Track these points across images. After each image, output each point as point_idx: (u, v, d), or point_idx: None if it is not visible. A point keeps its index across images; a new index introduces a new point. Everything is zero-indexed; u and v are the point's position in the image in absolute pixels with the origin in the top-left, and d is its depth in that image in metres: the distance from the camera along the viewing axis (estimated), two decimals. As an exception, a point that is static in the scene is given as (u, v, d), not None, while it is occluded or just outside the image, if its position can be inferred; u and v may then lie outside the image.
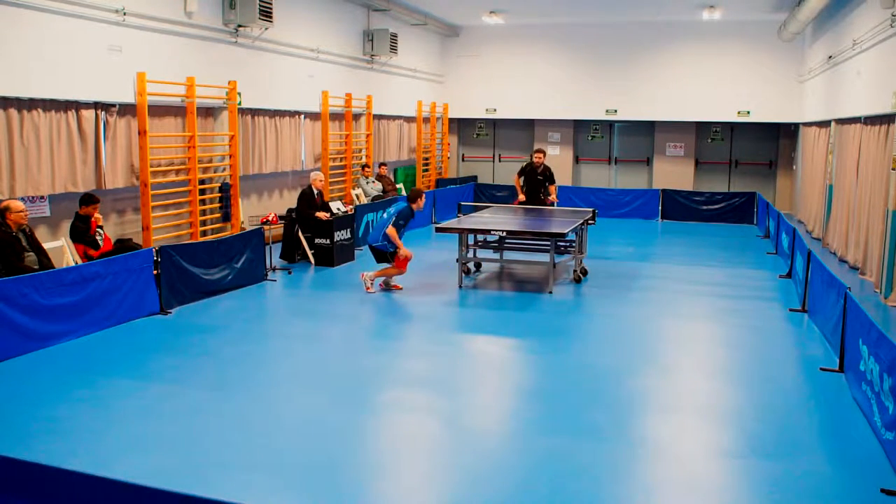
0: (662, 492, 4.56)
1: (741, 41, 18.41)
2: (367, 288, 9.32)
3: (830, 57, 14.09)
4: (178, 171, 10.77)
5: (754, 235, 15.45)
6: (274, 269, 10.57)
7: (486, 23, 18.92)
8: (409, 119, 18.70)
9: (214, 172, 11.66)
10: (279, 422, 5.46)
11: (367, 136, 16.10)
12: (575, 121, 20.38)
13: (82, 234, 8.54)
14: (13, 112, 8.32)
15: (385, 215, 9.46)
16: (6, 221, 7.44)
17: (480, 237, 10.80)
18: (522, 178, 12.43)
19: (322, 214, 11.13)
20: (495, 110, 20.48)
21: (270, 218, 10.77)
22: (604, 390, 6.22)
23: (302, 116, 13.93)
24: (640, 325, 8.38)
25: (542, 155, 12.29)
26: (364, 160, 15.94)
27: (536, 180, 12.26)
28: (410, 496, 4.52)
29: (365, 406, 5.87)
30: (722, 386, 6.44)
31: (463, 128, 21.79)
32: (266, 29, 12.01)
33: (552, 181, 12.39)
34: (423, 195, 9.74)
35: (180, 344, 7.33)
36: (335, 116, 14.97)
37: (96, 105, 9.41)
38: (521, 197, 12.36)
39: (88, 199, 8.59)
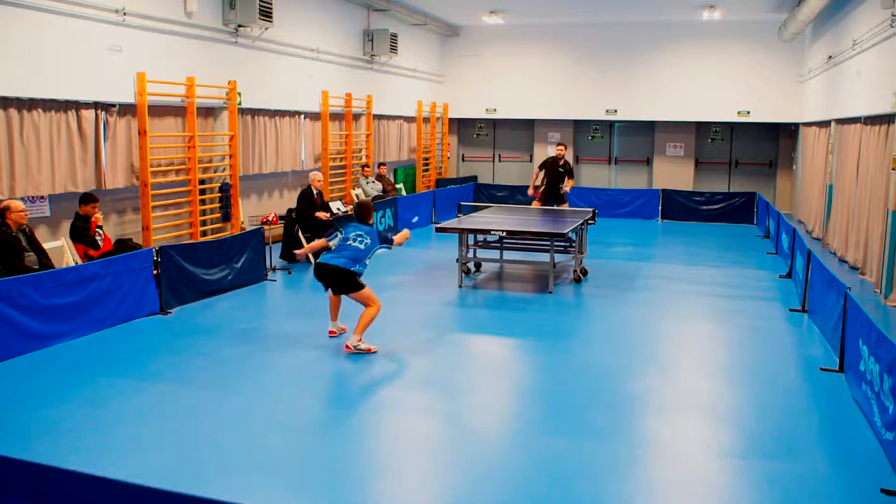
0: (662, 492, 4.56)
1: (741, 41, 18.41)
2: (369, 349, 7.16)
3: (830, 57, 14.09)
4: (178, 171, 10.77)
5: (754, 235, 15.45)
6: (274, 269, 10.57)
7: (486, 23, 18.92)
8: (409, 119, 18.70)
9: (214, 172, 11.65)
10: (279, 422, 5.46)
11: (367, 136, 16.10)
12: (575, 121, 20.38)
13: (82, 234, 8.53)
14: (13, 112, 8.32)
15: (358, 243, 7.23)
16: (6, 221, 7.44)
17: (480, 237, 10.80)
18: (543, 171, 13.05)
19: (322, 214, 11.13)
20: (495, 110, 20.48)
21: (270, 218, 10.77)
22: (604, 390, 6.22)
23: (302, 116, 13.93)
24: (640, 325, 8.38)
25: (563, 147, 13.29)
26: (364, 160, 15.94)
27: (558, 172, 13.01)
28: (410, 496, 4.51)
29: (364, 406, 5.87)
30: (722, 386, 6.44)
31: (463, 128, 21.79)
32: (266, 29, 12.01)
33: (571, 175, 13.19)
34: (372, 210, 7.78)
35: (180, 344, 7.33)
36: (335, 116, 14.97)
37: (96, 105, 9.41)
38: (537, 194, 13.02)
39: (88, 199, 8.59)
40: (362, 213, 7.61)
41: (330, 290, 7.44)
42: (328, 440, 5.18)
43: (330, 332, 7.65)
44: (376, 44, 15.85)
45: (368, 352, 7.14)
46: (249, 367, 6.62)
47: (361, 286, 7.24)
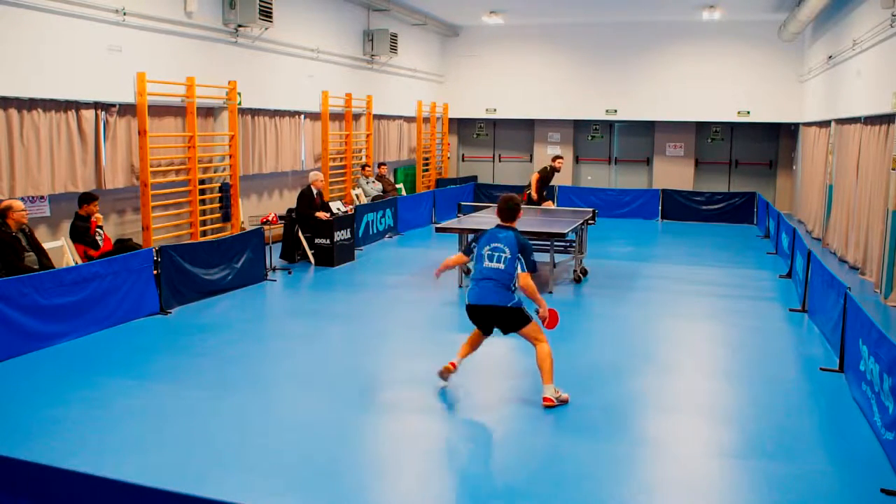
0: (662, 492, 4.56)
1: (741, 41, 18.41)
2: (566, 398, 5.89)
3: (830, 57, 14.09)
4: (178, 171, 10.77)
5: (754, 235, 15.45)
6: (274, 269, 10.57)
7: (486, 23, 18.92)
8: (408, 119, 18.70)
9: (214, 172, 11.65)
10: (279, 422, 5.46)
11: (367, 136, 16.10)
12: (575, 121, 20.39)
13: (82, 234, 8.54)
14: (13, 112, 8.31)
15: (495, 261, 5.87)
16: (6, 221, 7.44)
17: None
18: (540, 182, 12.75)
19: (322, 214, 11.13)
20: (495, 110, 20.48)
21: (270, 218, 10.77)
22: (604, 390, 6.22)
23: (302, 116, 13.93)
24: (641, 325, 8.38)
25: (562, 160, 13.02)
26: (364, 160, 15.94)
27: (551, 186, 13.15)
28: (410, 496, 4.51)
29: (365, 406, 5.86)
30: (722, 386, 6.44)
31: (463, 128, 21.79)
32: (266, 29, 12.01)
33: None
34: (521, 207, 6.14)
35: (180, 344, 7.33)
36: (335, 116, 14.97)
37: (96, 105, 9.41)
38: (533, 198, 12.69)
39: (87, 198, 8.60)
40: (503, 208, 5.97)
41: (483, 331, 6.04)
42: (328, 440, 5.17)
43: (446, 367, 6.11)
44: (376, 44, 15.85)
45: (566, 402, 5.85)
46: (249, 367, 6.62)
47: (527, 319, 5.88)
